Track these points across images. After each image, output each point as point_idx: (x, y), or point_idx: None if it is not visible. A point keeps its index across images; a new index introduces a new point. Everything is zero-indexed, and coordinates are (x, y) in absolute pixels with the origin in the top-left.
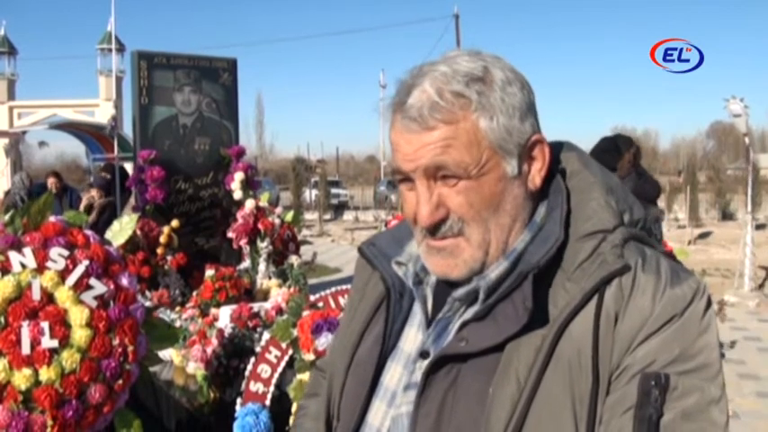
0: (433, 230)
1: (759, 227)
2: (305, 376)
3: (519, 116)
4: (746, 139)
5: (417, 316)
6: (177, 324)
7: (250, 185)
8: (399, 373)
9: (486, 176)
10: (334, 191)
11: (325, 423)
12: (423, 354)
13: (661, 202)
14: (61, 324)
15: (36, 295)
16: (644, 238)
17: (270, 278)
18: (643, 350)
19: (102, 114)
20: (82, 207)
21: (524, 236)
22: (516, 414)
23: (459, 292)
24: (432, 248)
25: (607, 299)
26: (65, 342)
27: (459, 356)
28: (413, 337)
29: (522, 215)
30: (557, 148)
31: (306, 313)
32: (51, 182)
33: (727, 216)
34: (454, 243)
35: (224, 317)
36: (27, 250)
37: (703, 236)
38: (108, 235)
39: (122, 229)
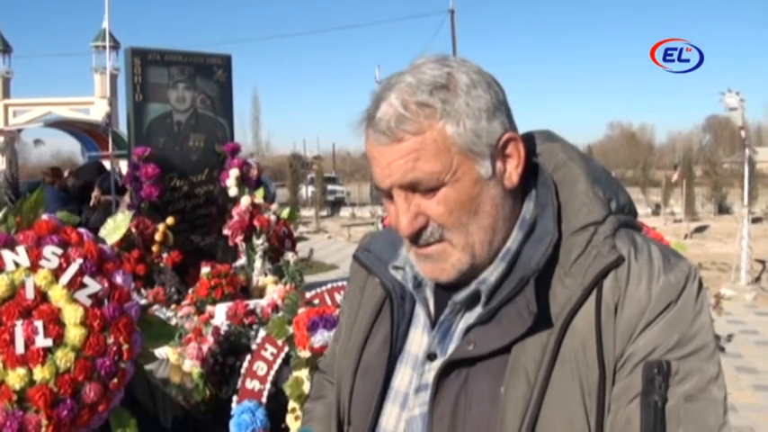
0: (415, 238)
1: (755, 220)
2: (301, 373)
3: (486, 117)
4: (743, 133)
5: (421, 318)
6: (173, 322)
7: (245, 182)
8: (409, 376)
9: (460, 182)
10: (330, 187)
11: (336, 427)
12: (430, 356)
13: (657, 197)
14: (55, 323)
15: (30, 294)
16: (631, 222)
17: (266, 275)
18: (644, 339)
19: (97, 112)
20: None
21: (516, 234)
22: (529, 411)
23: (461, 295)
24: (420, 255)
25: (605, 291)
26: (59, 341)
27: (467, 359)
28: (418, 339)
29: (502, 214)
30: (538, 137)
31: (302, 310)
32: (59, 182)
33: (723, 210)
34: (440, 248)
35: (220, 314)
36: (20, 249)
37: (700, 230)
38: (102, 233)
39: (116, 227)
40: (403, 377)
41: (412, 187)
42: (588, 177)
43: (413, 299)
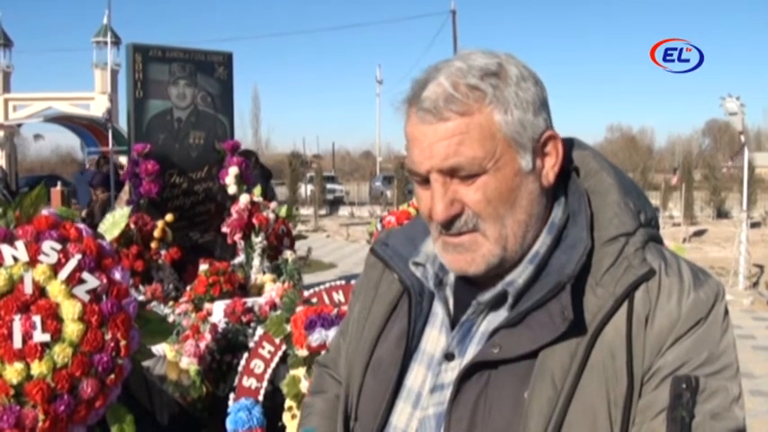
0: (448, 226)
1: (754, 225)
2: (298, 372)
3: (533, 110)
4: (742, 138)
5: (438, 317)
6: (170, 319)
7: (244, 180)
8: (423, 375)
9: (501, 171)
10: (329, 186)
11: (342, 423)
12: (447, 356)
13: (657, 200)
14: (53, 318)
15: (28, 289)
16: (657, 236)
17: (264, 273)
18: (673, 353)
19: (97, 107)
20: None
21: (544, 238)
22: (554, 418)
23: (486, 296)
24: (448, 245)
25: (636, 303)
26: (57, 336)
27: (491, 362)
28: (435, 338)
29: (536, 211)
30: (566, 144)
31: (300, 309)
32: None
33: (722, 214)
34: (472, 238)
35: (217, 312)
36: (19, 243)
37: (698, 234)
38: (101, 228)
39: (115, 223)
40: (417, 376)
41: (452, 172)
42: (620, 188)
43: (430, 297)
